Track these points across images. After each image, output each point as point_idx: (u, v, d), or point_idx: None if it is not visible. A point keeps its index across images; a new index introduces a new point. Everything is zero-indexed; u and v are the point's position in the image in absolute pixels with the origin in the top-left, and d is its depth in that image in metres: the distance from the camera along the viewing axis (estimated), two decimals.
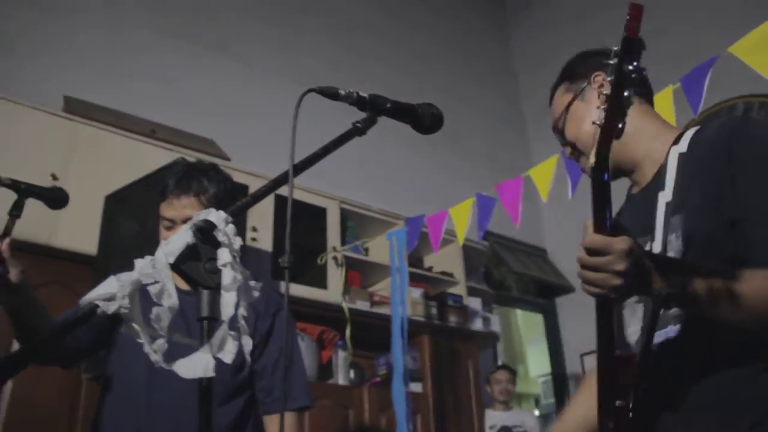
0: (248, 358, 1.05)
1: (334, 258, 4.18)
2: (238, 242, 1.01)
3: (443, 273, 4.87)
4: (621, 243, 1.16)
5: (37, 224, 3.05)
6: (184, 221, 1.87)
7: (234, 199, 2.05)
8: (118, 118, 3.88)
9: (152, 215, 2.20)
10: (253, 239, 3.87)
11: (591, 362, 6.14)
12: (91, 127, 3.59)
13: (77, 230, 3.24)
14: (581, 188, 2.87)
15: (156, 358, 0.90)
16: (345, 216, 4.49)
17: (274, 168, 4.22)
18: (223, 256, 0.97)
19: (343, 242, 4.35)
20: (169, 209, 1.97)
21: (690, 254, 1.34)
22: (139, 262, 0.92)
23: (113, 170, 3.37)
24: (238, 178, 4.00)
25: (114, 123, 3.74)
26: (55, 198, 1.84)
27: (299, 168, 1.14)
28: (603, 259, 1.16)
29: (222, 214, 1.01)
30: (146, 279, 0.91)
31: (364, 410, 4.01)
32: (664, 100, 2.54)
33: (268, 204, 4.01)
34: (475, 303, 4.94)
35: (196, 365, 0.89)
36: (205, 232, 0.98)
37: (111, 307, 0.88)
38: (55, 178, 3.33)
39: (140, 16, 4.75)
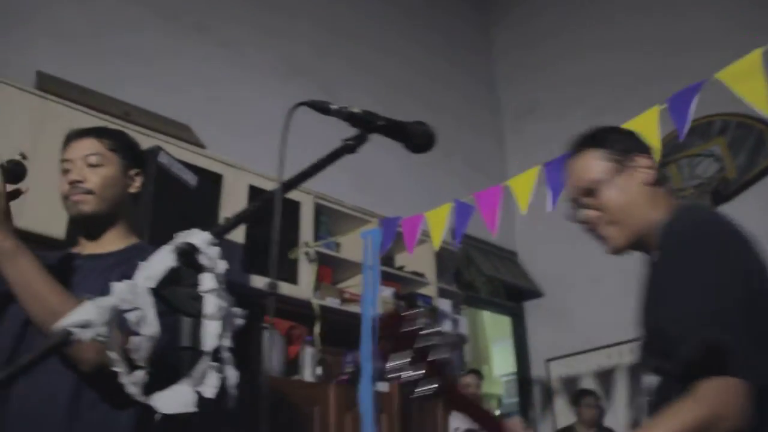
0: (232, 391, 0.98)
1: (306, 253, 4.13)
2: (222, 266, 0.96)
3: (415, 273, 4.84)
4: None
5: None
6: (83, 158, 1.88)
7: (140, 159, 2.06)
8: (91, 98, 3.79)
9: None
10: None
11: (556, 368, 6.19)
12: (63, 106, 3.49)
13: (44, 212, 3.14)
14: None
15: (133, 390, 0.85)
16: (318, 211, 4.44)
17: (250, 158, 4.20)
18: (206, 281, 0.93)
19: (316, 237, 4.30)
20: (68, 152, 1.94)
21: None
22: (117, 286, 0.87)
23: None
24: (212, 166, 3.94)
25: (87, 103, 3.65)
26: (9, 171, 1.75)
27: (288, 186, 1.10)
28: None
29: (206, 235, 0.96)
30: (125, 305, 0.86)
31: (330, 408, 3.97)
32: (650, 119, 2.53)
33: (241, 195, 3.95)
34: (445, 305, 4.93)
35: (177, 400, 0.85)
36: (188, 255, 0.93)
37: (86, 335, 0.83)
38: (24, 157, 3.23)
39: None
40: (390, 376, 1.42)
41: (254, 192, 4.00)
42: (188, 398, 0.86)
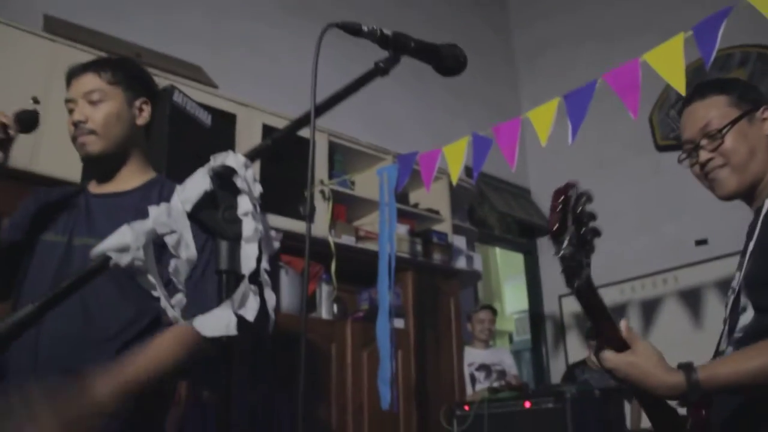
0: (272, 314, 0.96)
1: (321, 192, 4.12)
2: (257, 189, 0.94)
3: (429, 210, 4.83)
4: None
5: (17, 148, 2.92)
6: (84, 96, 1.78)
7: (147, 86, 1.94)
8: (101, 40, 3.73)
9: None
10: None
11: (569, 304, 6.21)
12: (72, 49, 3.43)
13: (59, 155, 3.12)
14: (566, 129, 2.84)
15: (174, 313, 0.84)
16: (333, 149, 4.41)
17: (263, 98, 4.15)
18: (243, 204, 0.91)
19: (331, 176, 4.28)
20: (70, 91, 1.84)
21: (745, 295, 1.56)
22: (153, 210, 0.85)
23: None
24: (225, 106, 3.90)
25: (97, 45, 3.59)
26: (23, 121, 1.70)
27: (320, 110, 1.07)
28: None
29: (240, 157, 0.94)
30: (161, 228, 0.84)
31: (347, 344, 4.01)
32: (674, 47, 2.47)
33: (255, 134, 3.92)
34: (459, 241, 4.92)
35: (218, 323, 0.84)
36: (224, 178, 0.91)
37: (124, 259, 0.82)
38: (36, 101, 3.18)
39: None
40: (559, 255, 1.38)
41: (267, 131, 3.97)
42: (229, 321, 0.84)
